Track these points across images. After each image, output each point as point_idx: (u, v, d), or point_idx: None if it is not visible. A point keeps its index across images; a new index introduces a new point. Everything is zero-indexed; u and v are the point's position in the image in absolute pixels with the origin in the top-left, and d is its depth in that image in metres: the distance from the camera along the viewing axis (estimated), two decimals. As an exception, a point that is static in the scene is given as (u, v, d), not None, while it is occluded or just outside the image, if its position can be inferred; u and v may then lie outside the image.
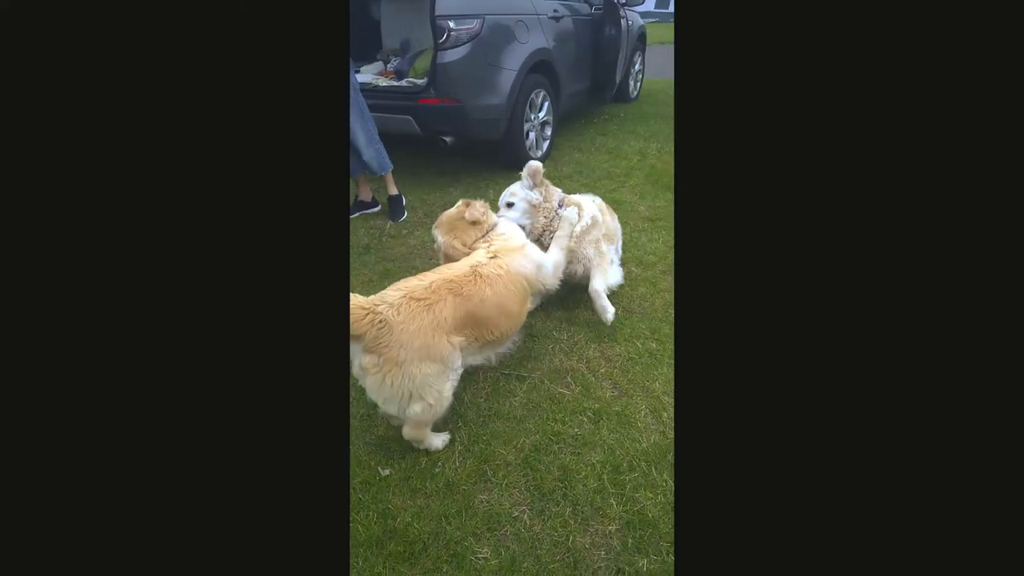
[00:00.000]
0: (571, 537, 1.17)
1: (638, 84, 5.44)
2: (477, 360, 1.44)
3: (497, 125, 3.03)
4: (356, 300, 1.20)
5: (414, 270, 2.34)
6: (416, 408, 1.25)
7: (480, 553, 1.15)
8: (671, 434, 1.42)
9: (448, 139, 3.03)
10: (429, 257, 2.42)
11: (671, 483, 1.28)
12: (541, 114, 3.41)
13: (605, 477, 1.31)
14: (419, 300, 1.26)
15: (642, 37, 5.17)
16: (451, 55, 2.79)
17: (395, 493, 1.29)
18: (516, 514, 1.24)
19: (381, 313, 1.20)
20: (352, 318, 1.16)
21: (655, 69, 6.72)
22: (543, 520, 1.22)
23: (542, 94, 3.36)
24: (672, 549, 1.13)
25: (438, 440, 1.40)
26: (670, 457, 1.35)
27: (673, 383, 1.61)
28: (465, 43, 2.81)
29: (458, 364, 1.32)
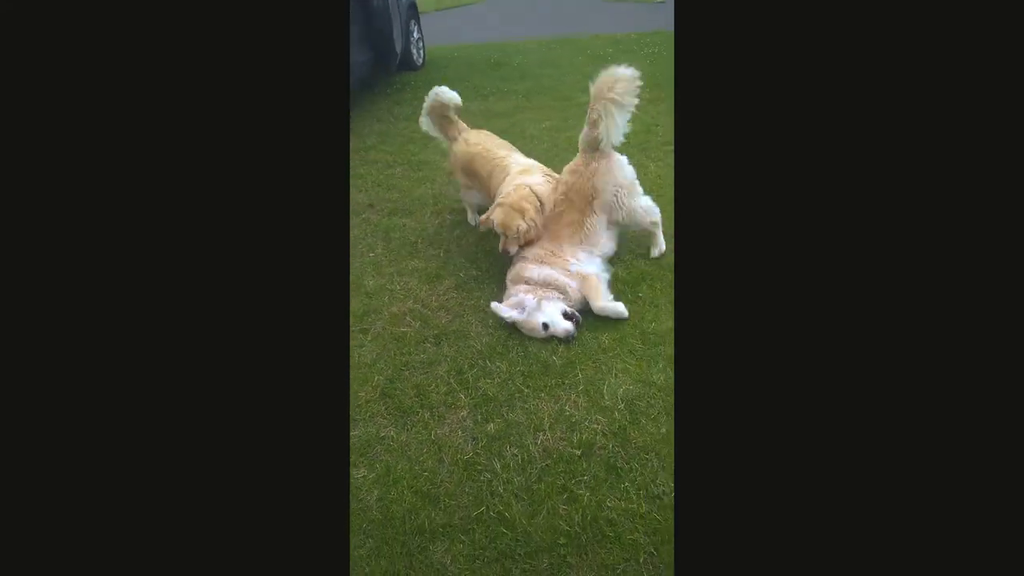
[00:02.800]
0: (432, 432, 1.40)
1: (421, 52, 5.58)
2: None
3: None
4: None
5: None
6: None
7: (358, 475, 1.30)
8: (499, 333, 1.73)
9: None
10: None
11: (504, 367, 1.59)
12: (326, 89, 3.34)
13: (452, 380, 1.55)
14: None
15: (412, 6, 5.28)
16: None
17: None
18: (383, 435, 1.40)
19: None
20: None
21: (435, 36, 6.92)
22: (407, 429, 1.41)
23: (321, 69, 3.28)
24: (512, 412, 1.44)
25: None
26: (499, 349, 1.66)
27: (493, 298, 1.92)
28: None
29: None
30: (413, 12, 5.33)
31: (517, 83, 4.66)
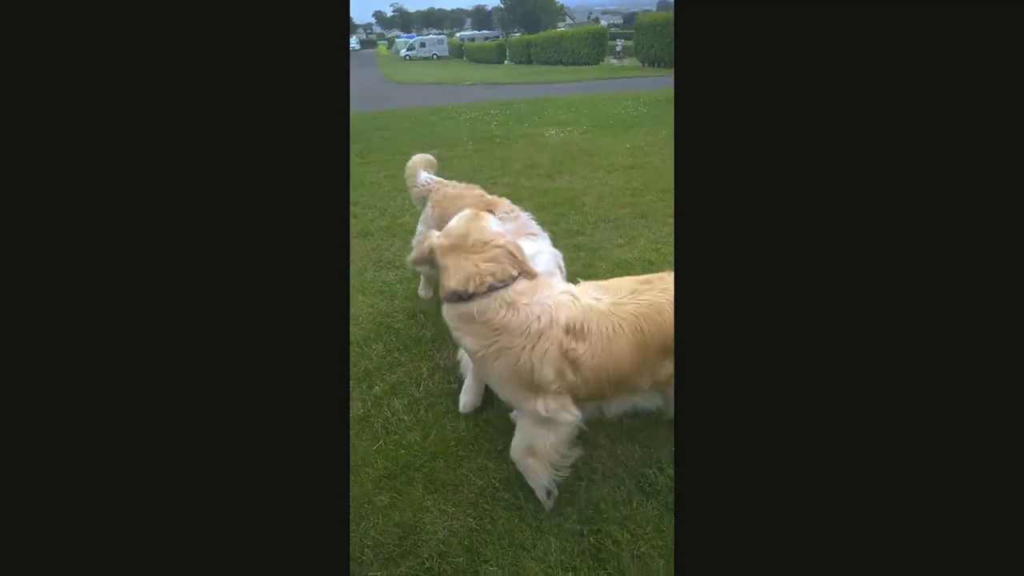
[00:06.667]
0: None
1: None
2: None
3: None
4: None
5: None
6: None
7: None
8: (378, 322, 1.91)
9: None
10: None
11: (380, 348, 1.78)
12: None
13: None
14: None
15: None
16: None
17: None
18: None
19: None
20: None
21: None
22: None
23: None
24: (393, 375, 1.63)
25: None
26: (373, 335, 1.84)
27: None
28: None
29: None
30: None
31: (352, 144, 5.03)
